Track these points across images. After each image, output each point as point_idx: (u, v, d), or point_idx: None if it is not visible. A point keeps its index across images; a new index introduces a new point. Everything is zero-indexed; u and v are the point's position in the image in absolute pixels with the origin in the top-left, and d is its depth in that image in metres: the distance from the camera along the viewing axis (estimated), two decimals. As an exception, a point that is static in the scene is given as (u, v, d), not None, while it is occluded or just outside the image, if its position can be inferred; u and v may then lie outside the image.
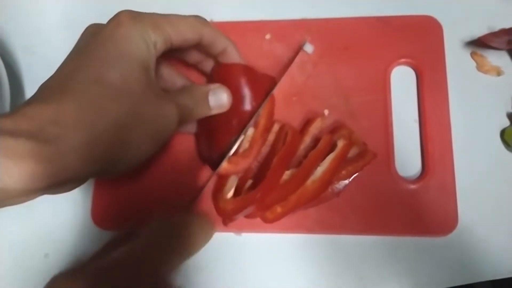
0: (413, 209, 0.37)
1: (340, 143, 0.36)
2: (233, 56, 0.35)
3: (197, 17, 0.32)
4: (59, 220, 0.40)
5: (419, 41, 0.40)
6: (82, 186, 0.39)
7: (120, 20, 0.28)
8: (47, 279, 0.39)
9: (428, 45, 0.40)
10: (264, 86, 0.37)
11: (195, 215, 0.31)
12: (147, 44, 0.28)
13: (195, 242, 0.29)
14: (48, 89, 0.26)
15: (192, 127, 0.39)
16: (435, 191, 0.37)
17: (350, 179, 0.36)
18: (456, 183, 0.37)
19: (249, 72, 0.36)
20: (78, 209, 0.40)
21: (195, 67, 0.39)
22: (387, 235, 0.37)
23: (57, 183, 0.23)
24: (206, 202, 0.38)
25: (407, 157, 0.38)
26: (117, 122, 0.25)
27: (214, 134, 0.37)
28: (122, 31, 0.28)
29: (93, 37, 0.28)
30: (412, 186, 0.37)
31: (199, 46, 0.34)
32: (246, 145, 0.37)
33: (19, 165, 0.21)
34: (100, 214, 0.39)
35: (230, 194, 0.36)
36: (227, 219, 0.36)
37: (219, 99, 0.33)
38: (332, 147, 0.36)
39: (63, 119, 0.24)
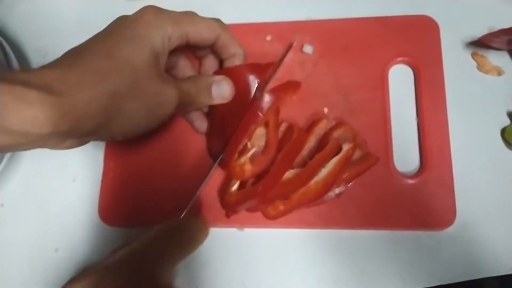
0: (411, 204, 0.37)
1: (345, 147, 0.36)
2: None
3: (217, 20, 0.35)
4: (68, 217, 0.42)
5: (416, 40, 0.41)
6: (89, 184, 0.42)
7: (145, 11, 0.32)
8: (57, 272, 0.41)
9: (425, 43, 0.40)
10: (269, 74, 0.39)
11: (191, 217, 0.35)
12: (162, 36, 0.32)
13: (192, 241, 0.33)
14: (65, 56, 0.29)
15: (202, 126, 0.40)
16: (433, 186, 0.37)
17: (351, 183, 0.37)
18: (454, 179, 0.37)
19: (254, 68, 0.37)
20: (86, 207, 0.41)
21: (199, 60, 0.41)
22: (387, 229, 0.38)
23: (56, 133, 0.26)
24: (212, 196, 0.39)
25: (405, 152, 0.39)
26: (115, 89, 0.28)
27: (227, 134, 0.38)
28: (143, 19, 0.31)
29: (117, 23, 0.32)
30: (411, 181, 0.38)
31: (213, 47, 0.37)
32: (261, 142, 0.38)
33: (26, 109, 0.24)
34: (107, 212, 0.41)
35: (234, 187, 0.37)
36: (230, 211, 0.37)
37: (221, 90, 0.36)
38: (337, 150, 0.37)
39: (69, 79, 0.27)
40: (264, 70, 0.37)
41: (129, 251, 0.30)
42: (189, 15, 0.34)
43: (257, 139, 0.38)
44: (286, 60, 0.41)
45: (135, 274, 0.29)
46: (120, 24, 0.31)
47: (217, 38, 0.35)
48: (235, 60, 0.38)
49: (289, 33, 0.42)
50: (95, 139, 0.31)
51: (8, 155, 0.40)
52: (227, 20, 0.43)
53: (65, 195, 0.42)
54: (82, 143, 0.31)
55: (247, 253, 0.39)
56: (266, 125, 0.38)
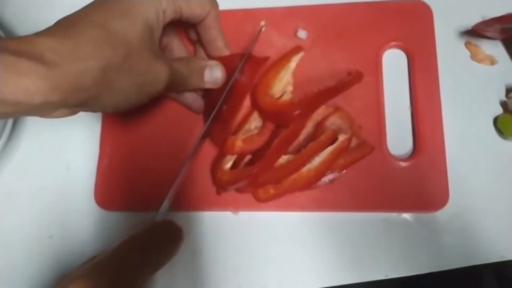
0: (404, 186, 0.38)
1: (341, 138, 0.36)
2: (218, 51, 0.38)
3: None
4: (63, 204, 0.42)
5: (410, 25, 0.41)
6: (84, 171, 0.42)
7: None
8: (52, 259, 0.41)
9: (418, 28, 0.41)
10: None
11: (166, 222, 0.34)
12: (157, 10, 0.32)
13: (169, 247, 0.33)
14: (57, 25, 0.29)
15: (199, 107, 0.41)
16: (426, 169, 0.38)
17: (345, 171, 0.38)
18: (448, 163, 0.38)
19: (249, 59, 0.38)
20: (81, 194, 0.41)
21: (193, 44, 0.42)
22: (380, 212, 0.38)
23: (47, 103, 0.26)
24: (204, 172, 0.39)
25: (399, 136, 0.39)
26: (108, 63, 0.28)
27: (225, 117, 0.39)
28: None
29: None
30: (404, 164, 0.38)
31: (198, 25, 0.37)
32: (257, 124, 0.39)
33: (17, 80, 0.24)
34: (103, 196, 0.41)
35: (228, 165, 0.37)
36: (221, 188, 0.38)
37: (214, 75, 0.36)
38: (332, 139, 0.37)
39: (62, 50, 0.26)
40: (259, 63, 0.38)
41: (98, 262, 0.29)
42: None
43: (255, 119, 0.39)
44: (280, 45, 0.42)
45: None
46: None
47: (206, 17, 0.36)
48: (218, 47, 0.38)
49: (283, 18, 0.42)
50: (86, 110, 0.31)
51: (2, 142, 0.40)
52: (221, 5, 0.44)
53: (60, 182, 0.42)
54: (73, 112, 0.30)
55: (241, 236, 0.39)
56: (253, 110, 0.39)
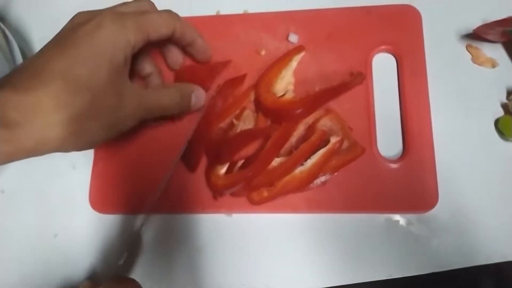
0: (395, 187, 0.38)
1: (333, 140, 0.37)
2: (200, 48, 0.39)
3: (169, 12, 0.36)
4: (67, 204, 0.42)
5: (399, 29, 0.41)
6: (80, 175, 0.43)
7: (102, 22, 0.30)
8: (57, 257, 0.41)
9: (407, 32, 0.41)
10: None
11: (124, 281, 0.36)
12: (125, 47, 0.31)
13: None
14: (19, 74, 0.28)
15: (177, 60, 0.41)
16: (416, 170, 0.38)
17: (336, 173, 0.38)
18: (439, 165, 0.38)
19: (211, 68, 0.40)
20: (84, 194, 0.42)
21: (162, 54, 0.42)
22: (372, 213, 0.39)
23: (13, 160, 0.27)
24: (198, 176, 0.40)
25: (389, 138, 0.40)
26: (72, 113, 0.28)
27: None
28: (101, 32, 0.30)
29: (73, 32, 0.30)
30: (394, 165, 0.38)
31: (171, 38, 0.37)
32: (248, 125, 0.39)
33: None
34: (97, 200, 0.41)
35: (222, 171, 0.38)
36: (217, 193, 0.38)
37: (199, 98, 0.39)
38: (324, 140, 0.37)
39: (25, 106, 0.26)
40: (220, 68, 0.40)
41: None
42: (147, 14, 0.33)
43: (246, 120, 0.39)
44: (272, 49, 0.42)
45: None
46: (75, 39, 0.29)
47: (173, 31, 0.35)
48: (197, 45, 0.39)
49: (275, 23, 0.43)
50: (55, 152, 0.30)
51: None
52: (212, 11, 0.44)
53: (65, 181, 0.43)
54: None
55: (238, 239, 0.40)
56: (256, 110, 0.39)
